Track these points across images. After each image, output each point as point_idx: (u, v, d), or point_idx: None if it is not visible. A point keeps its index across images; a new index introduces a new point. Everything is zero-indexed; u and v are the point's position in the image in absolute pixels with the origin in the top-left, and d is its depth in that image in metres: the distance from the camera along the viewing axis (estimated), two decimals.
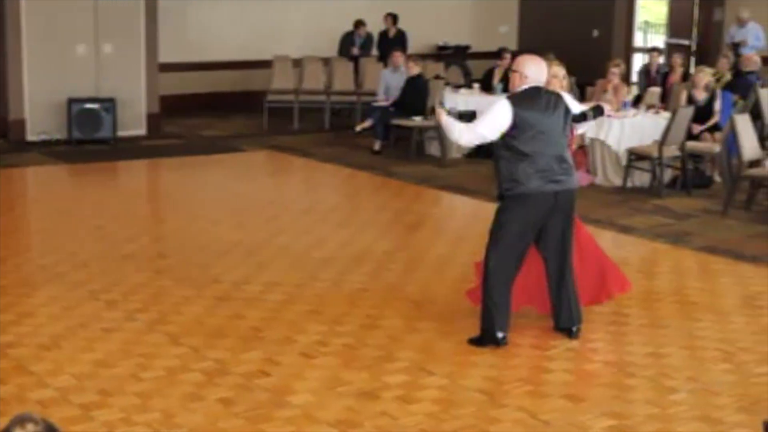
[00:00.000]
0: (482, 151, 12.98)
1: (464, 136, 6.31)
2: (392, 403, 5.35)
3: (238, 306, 6.90)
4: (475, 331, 6.35)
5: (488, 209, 10.16)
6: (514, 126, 6.07)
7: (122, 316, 6.65)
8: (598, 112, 6.46)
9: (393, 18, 16.49)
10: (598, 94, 12.08)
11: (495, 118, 6.12)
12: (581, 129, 6.75)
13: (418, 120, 12.79)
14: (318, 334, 6.36)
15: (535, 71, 6.20)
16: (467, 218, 10.17)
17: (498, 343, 6.19)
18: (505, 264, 6.19)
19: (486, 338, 6.22)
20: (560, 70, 6.90)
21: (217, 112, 16.20)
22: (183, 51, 16.18)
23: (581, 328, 6.40)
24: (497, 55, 14.35)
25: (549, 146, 6.11)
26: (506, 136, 6.12)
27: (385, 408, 5.30)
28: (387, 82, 13.77)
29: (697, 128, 11.39)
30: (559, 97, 6.27)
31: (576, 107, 6.38)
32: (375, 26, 16.49)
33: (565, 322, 6.37)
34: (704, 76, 11.82)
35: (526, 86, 6.20)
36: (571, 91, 11.96)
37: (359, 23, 16.33)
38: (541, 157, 6.09)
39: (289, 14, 17.22)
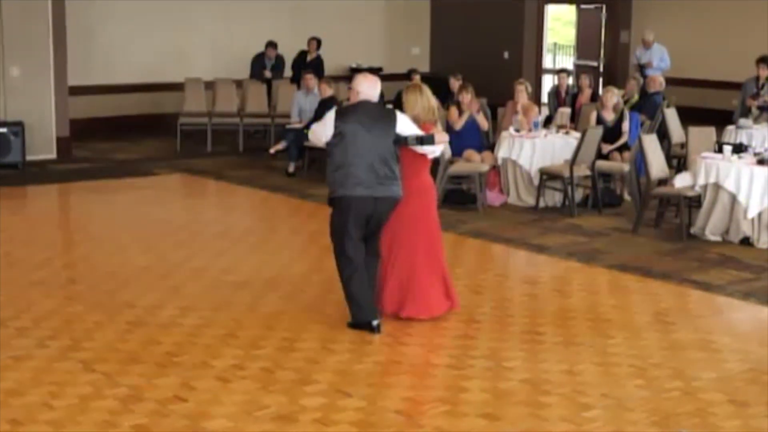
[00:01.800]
0: None
1: (310, 134, 7.15)
2: (310, 426, 5.33)
3: (152, 331, 6.81)
4: (394, 355, 6.39)
5: None
6: (334, 135, 6.72)
7: (33, 343, 6.52)
8: (427, 140, 6.83)
9: (317, 43, 16.54)
10: (509, 114, 12.23)
11: (323, 125, 6.85)
12: (430, 154, 7.04)
13: None
14: (234, 358, 6.31)
15: (366, 88, 6.87)
16: None
17: (374, 330, 6.74)
18: (346, 260, 6.80)
19: (363, 326, 6.79)
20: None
21: (128, 135, 16.02)
22: (93, 74, 16.00)
23: (380, 325, 6.78)
24: (408, 76, 14.44)
25: (363, 157, 6.65)
26: (328, 144, 6.79)
27: (304, 431, 5.27)
28: (300, 104, 13.77)
29: (606, 148, 11.60)
30: (389, 114, 6.82)
31: (406, 130, 6.77)
32: (286, 48, 16.47)
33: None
34: (612, 96, 12.03)
35: (357, 101, 6.85)
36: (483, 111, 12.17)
37: (270, 44, 16.31)
38: (354, 166, 6.66)
39: (199, 36, 17.15)
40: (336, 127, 6.72)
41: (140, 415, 5.42)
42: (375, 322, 6.78)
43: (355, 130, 6.68)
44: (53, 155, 13.86)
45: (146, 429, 5.25)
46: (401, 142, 6.77)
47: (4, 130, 13.08)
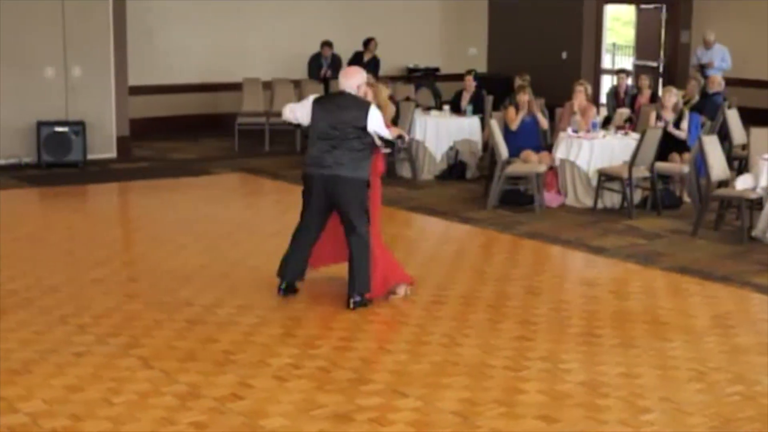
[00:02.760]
0: (454, 173, 13.08)
1: (286, 109, 7.64)
2: (367, 426, 5.34)
3: (209, 329, 6.86)
4: (450, 356, 6.39)
5: (460, 230, 10.24)
6: (311, 117, 7.37)
7: (93, 340, 6.60)
8: (388, 143, 7.38)
9: (375, 43, 16.59)
10: (567, 115, 12.16)
11: (302, 106, 7.51)
12: (382, 149, 7.53)
13: None
14: (291, 357, 6.34)
15: (341, 78, 7.48)
16: (438, 239, 10.18)
17: (279, 289, 7.59)
18: (304, 229, 7.57)
19: (279, 278, 7.60)
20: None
21: (187, 134, 16.18)
22: (152, 74, 16.16)
23: (359, 302, 7.29)
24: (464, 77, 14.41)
25: (324, 140, 7.26)
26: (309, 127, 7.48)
27: (360, 431, 5.28)
28: None
29: (672, 130, 11.49)
30: (362, 106, 7.25)
31: (375, 126, 7.24)
32: (342, 48, 16.53)
33: (349, 291, 7.35)
34: (671, 96, 11.91)
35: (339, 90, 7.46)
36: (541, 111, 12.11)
37: (325, 44, 16.38)
38: (316, 147, 7.33)
39: (257, 36, 17.25)
40: (311, 110, 7.37)
41: (198, 412, 5.46)
42: (282, 284, 7.60)
43: (325, 114, 7.29)
44: (113, 154, 14.04)
45: (204, 426, 5.29)
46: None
47: (65, 129, 13.27)
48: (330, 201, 7.39)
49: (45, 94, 13.37)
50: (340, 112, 7.27)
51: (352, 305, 7.31)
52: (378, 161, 7.59)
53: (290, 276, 7.65)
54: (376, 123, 7.29)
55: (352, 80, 7.41)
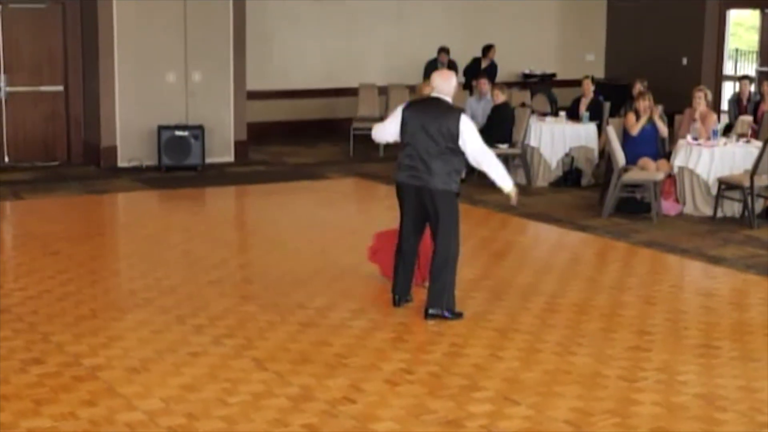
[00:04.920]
0: (569, 180, 12.95)
1: (374, 131, 7.58)
2: None
3: (322, 332, 6.92)
4: (563, 365, 6.31)
5: (574, 238, 10.12)
6: (401, 123, 7.19)
7: (209, 340, 6.72)
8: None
9: (495, 51, 16.59)
10: (687, 122, 11.92)
11: (391, 119, 7.34)
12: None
13: (503, 148, 12.74)
14: (402, 362, 6.35)
15: (439, 82, 7.23)
16: (552, 247, 10.08)
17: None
18: (402, 240, 7.38)
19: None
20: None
21: (303, 139, 16.36)
22: (269, 79, 16.39)
23: (435, 314, 7.15)
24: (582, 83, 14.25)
25: (418, 147, 7.07)
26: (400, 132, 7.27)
27: None
28: (473, 109, 13.76)
29: None
30: (453, 114, 7.04)
31: (469, 141, 7.01)
32: (458, 53, 16.51)
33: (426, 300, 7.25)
34: None
35: (431, 95, 7.28)
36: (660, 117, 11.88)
37: (442, 50, 16.39)
38: (406, 153, 7.18)
39: (373, 42, 17.35)
40: (403, 116, 7.19)
41: (310, 414, 5.51)
42: (394, 299, 7.45)
43: (415, 120, 7.12)
44: (231, 158, 14.27)
45: (315, 429, 5.33)
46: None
47: (185, 133, 13.55)
48: (424, 211, 7.23)
49: (166, 98, 13.68)
50: (435, 121, 7.06)
51: (426, 315, 7.21)
52: None
53: (400, 292, 7.50)
54: (471, 131, 7.06)
55: (450, 83, 7.23)
